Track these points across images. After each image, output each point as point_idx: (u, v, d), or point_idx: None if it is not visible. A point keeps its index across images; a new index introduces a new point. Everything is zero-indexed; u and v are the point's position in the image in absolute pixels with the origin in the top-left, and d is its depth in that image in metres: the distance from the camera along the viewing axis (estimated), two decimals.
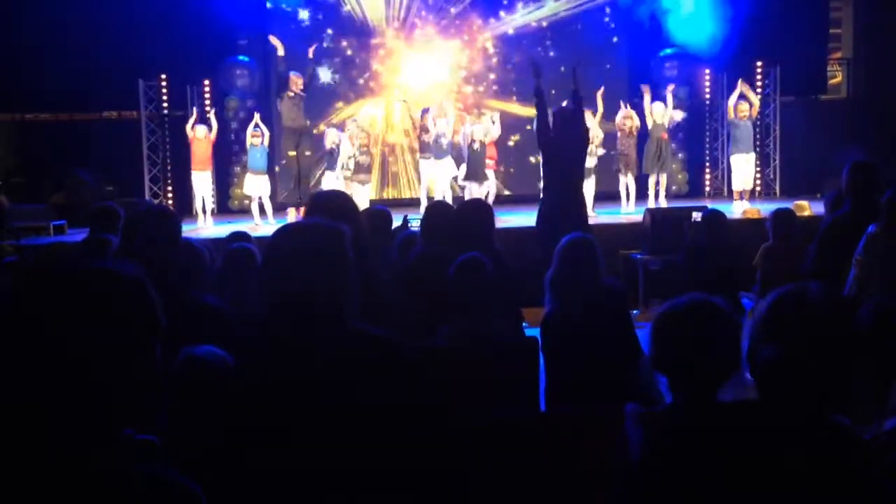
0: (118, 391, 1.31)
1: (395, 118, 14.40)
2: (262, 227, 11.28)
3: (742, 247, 6.87)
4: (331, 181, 11.57)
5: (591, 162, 11.86)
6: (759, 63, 14.58)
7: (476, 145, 11.99)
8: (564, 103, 7.51)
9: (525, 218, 9.99)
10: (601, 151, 12.14)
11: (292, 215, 11.46)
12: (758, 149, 13.61)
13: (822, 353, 1.86)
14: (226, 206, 14.17)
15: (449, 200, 10.40)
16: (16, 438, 1.25)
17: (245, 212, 13.34)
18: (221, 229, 11.24)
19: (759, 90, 14.34)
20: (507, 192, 14.25)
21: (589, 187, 12.16)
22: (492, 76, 14.63)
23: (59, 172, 13.39)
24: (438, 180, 12.20)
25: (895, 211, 4.50)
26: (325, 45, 13.94)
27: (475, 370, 3.56)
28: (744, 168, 12.68)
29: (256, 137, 12.06)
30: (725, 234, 6.73)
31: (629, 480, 1.98)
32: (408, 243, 5.04)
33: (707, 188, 15.07)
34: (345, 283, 2.12)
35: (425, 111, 12.33)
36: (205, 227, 12.00)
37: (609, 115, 12.50)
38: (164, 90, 13.96)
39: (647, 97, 12.48)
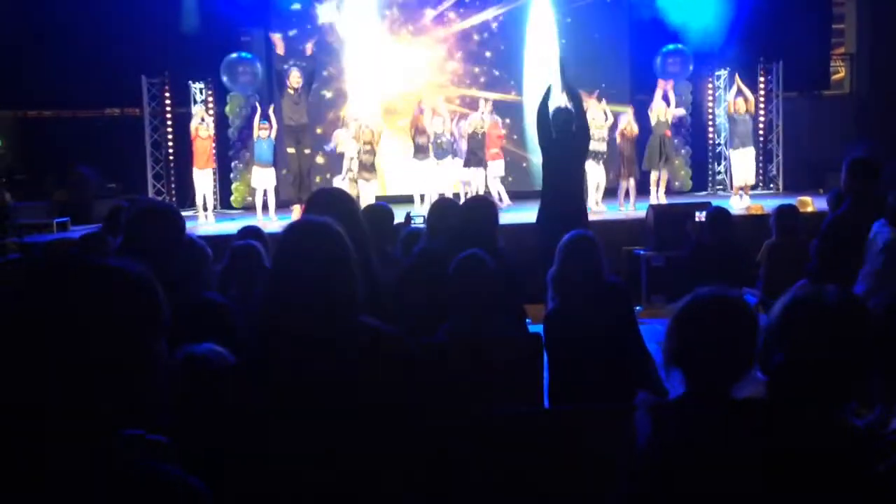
0: (124, 388, 1.31)
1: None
2: (264, 223, 11.29)
3: (745, 243, 6.87)
4: (337, 180, 11.75)
5: (601, 146, 11.86)
6: (761, 59, 14.55)
7: (479, 136, 12.20)
8: (563, 103, 7.54)
9: (525, 214, 9.99)
10: (606, 136, 12.18)
11: (297, 212, 11.46)
12: (759, 144, 13.58)
13: (838, 357, 1.87)
14: (227, 202, 14.17)
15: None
16: (19, 437, 1.25)
17: (247, 208, 13.34)
18: (223, 226, 11.26)
19: (761, 86, 14.33)
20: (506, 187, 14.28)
21: (599, 174, 12.16)
22: (476, 69, 14.68)
23: (61, 169, 13.40)
24: (440, 181, 12.19)
25: None
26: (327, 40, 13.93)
27: (478, 366, 3.56)
28: (744, 163, 12.66)
29: (264, 130, 12.05)
30: (729, 231, 6.73)
31: (635, 470, 1.98)
32: (412, 240, 5.04)
33: (710, 184, 15.06)
34: (354, 279, 2.15)
35: (420, 111, 12.34)
36: (206, 224, 12.03)
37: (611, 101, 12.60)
38: (167, 87, 13.96)
39: (659, 92, 12.51)
